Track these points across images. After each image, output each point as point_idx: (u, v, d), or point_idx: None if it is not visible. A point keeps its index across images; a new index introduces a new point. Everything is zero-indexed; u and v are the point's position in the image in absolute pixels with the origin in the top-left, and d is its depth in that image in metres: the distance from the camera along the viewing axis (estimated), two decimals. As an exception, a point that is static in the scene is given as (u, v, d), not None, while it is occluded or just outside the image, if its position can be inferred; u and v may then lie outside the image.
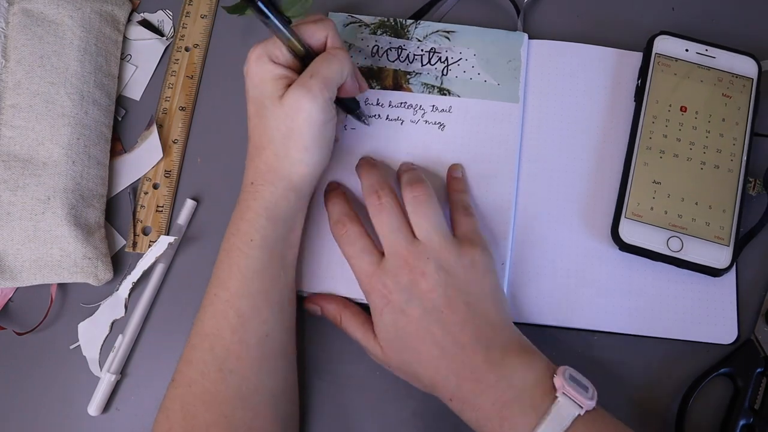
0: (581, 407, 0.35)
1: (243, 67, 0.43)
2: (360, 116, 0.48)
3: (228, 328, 0.40)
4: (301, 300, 0.46)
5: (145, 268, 0.46)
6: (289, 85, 0.41)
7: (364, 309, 0.43)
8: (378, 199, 0.42)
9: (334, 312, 0.44)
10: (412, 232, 0.41)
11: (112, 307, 0.47)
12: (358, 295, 0.44)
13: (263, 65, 0.41)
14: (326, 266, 0.46)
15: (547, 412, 0.35)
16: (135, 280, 0.47)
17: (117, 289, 0.47)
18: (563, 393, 0.36)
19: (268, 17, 0.38)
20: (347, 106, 0.47)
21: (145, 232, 0.49)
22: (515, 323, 0.41)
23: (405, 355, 0.40)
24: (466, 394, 0.38)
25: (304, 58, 0.42)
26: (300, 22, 0.42)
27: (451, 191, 0.46)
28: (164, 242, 0.46)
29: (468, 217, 0.44)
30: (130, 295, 0.47)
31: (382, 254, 0.42)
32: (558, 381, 0.36)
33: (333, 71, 0.41)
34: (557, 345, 0.45)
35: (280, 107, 0.40)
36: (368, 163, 0.46)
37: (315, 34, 0.42)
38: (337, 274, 0.45)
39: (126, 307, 0.47)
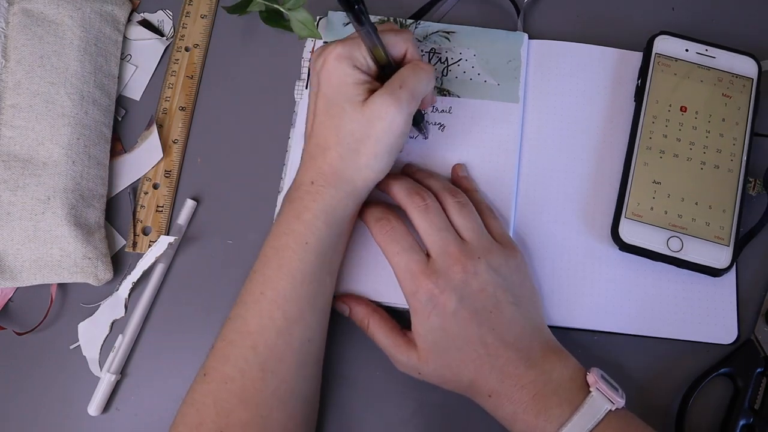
0: (613, 403, 0.37)
1: (317, 61, 0.41)
2: (422, 128, 0.47)
3: (274, 329, 0.39)
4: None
5: (145, 268, 0.46)
6: (371, 91, 0.40)
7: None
8: (423, 200, 0.42)
9: (362, 315, 0.43)
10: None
11: (112, 307, 0.47)
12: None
13: (345, 68, 0.40)
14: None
15: (582, 404, 0.37)
16: (135, 280, 0.47)
17: (117, 289, 0.47)
18: (596, 388, 0.37)
19: (363, 23, 0.37)
20: (414, 118, 0.45)
21: (145, 232, 0.49)
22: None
23: (447, 356, 0.40)
24: (508, 389, 0.38)
25: (384, 67, 0.41)
26: (380, 30, 0.41)
27: (465, 192, 0.45)
28: (164, 242, 0.46)
29: (495, 220, 0.44)
30: (130, 295, 0.47)
31: (427, 255, 0.41)
32: (591, 378, 0.38)
33: (421, 85, 0.40)
34: (557, 345, 0.45)
35: (361, 112, 0.39)
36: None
37: (397, 44, 0.41)
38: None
39: (126, 307, 0.47)
